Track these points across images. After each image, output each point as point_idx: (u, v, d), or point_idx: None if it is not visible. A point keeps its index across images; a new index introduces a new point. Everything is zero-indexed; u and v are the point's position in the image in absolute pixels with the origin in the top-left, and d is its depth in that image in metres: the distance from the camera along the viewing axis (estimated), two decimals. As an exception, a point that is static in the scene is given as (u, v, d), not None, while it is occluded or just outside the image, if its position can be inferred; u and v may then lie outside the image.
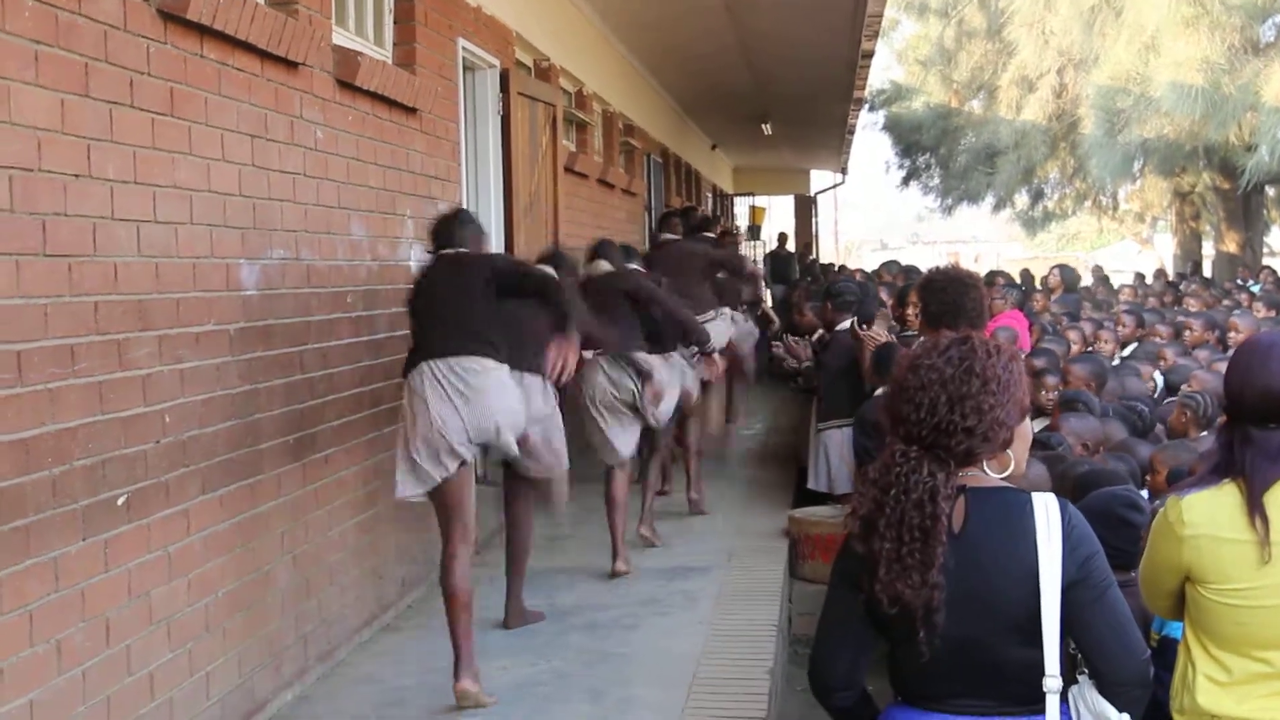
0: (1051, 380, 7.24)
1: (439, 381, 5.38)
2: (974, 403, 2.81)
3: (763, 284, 14.53)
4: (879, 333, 8.28)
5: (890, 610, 2.78)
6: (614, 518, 7.70)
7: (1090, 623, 2.81)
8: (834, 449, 8.59)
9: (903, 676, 2.95)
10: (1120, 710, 2.83)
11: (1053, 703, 2.80)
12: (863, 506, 2.83)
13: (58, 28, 4.06)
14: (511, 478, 6.55)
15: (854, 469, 8.11)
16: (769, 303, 21.18)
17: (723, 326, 9.79)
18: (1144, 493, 5.00)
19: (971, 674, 2.84)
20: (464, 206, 6.00)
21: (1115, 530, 4.24)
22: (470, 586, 5.56)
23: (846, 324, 8.67)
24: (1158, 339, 10.29)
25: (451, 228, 5.79)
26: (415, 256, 7.17)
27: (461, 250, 5.71)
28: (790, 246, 26.48)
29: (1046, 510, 2.82)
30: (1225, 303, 13.99)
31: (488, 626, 6.41)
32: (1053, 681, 2.79)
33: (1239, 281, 18.16)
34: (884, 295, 11.02)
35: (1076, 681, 2.88)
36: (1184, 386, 7.43)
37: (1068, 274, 15.55)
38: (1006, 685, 2.83)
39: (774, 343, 10.35)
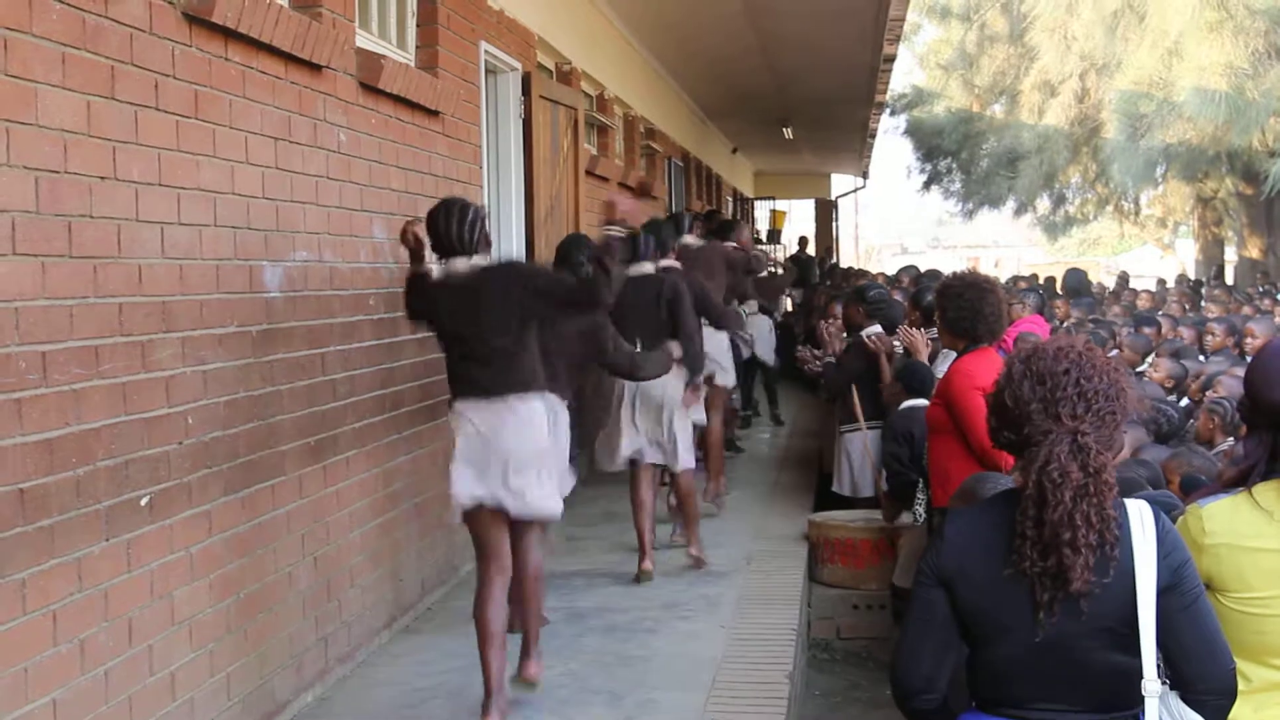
0: None
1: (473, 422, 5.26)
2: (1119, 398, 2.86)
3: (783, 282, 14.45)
4: (884, 339, 8.31)
5: (1049, 594, 2.74)
6: (640, 520, 7.65)
7: (1180, 630, 2.79)
8: (856, 452, 8.58)
9: (982, 681, 2.92)
10: (1208, 719, 2.82)
11: (1152, 706, 2.78)
12: (1065, 489, 2.74)
13: (84, 30, 4.09)
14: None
15: (879, 475, 8.12)
16: (789, 306, 21.15)
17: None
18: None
19: (1056, 678, 2.81)
20: (455, 198, 5.57)
21: None
22: (505, 619, 5.35)
23: (875, 330, 8.67)
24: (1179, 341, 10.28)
25: (461, 233, 5.34)
26: (437, 260, 7.18)
27: (490, 267, 5.37)
28: (811, 250, 26.44)
29: (1141, 516, 2.82)
30: (1246, 309, 13.94)
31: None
32: (1152, 685, 2.77)
33: (1261, 288, 18.09)
34: (900, 298, 11.01)
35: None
36: (1209, 392, 7.41)
37: (1071, 278, 15.52)
38: (1090, 690, 2.81)
39: (799, 348, 10.32)
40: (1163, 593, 2.76)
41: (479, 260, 5.36)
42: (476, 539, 5.41)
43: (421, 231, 5.48)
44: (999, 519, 2.84)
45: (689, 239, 10.15)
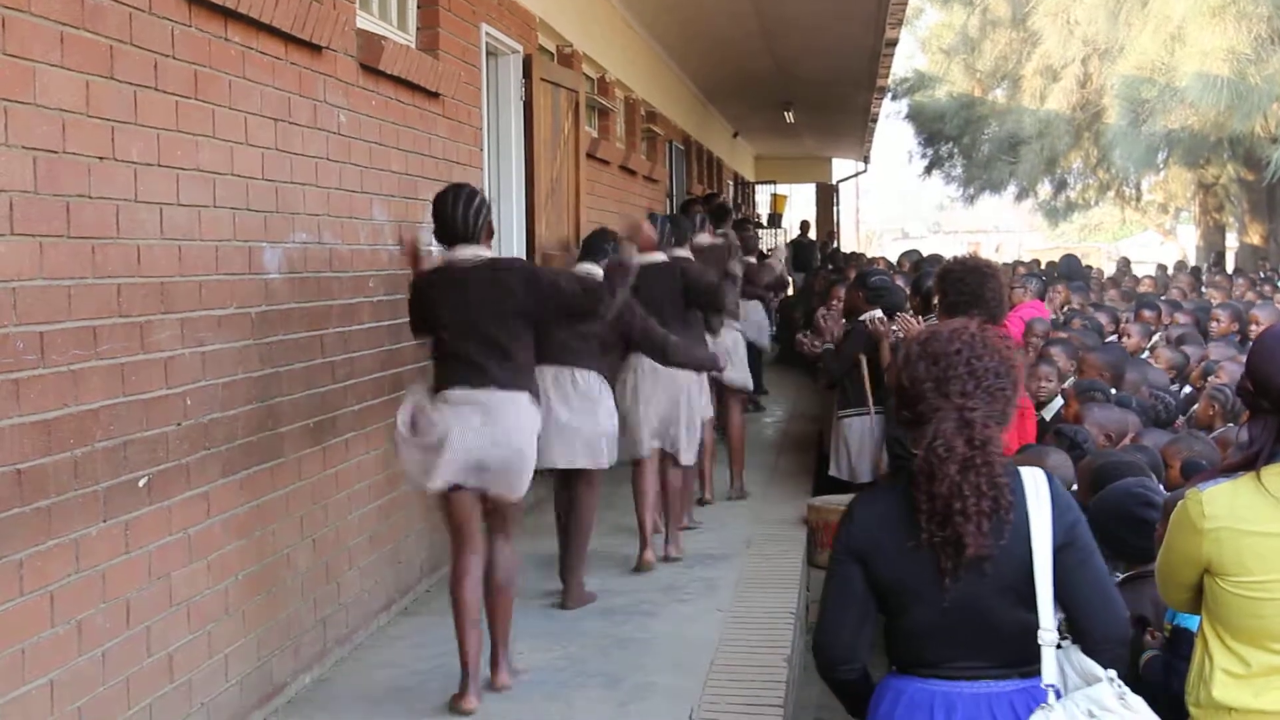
0: (1044, 370, 7.24)
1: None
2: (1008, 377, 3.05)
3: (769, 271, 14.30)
4: (884, 324, 8.28)
5: (950, 561, 2.93)
6: (642, 510, 7.62)
7: (1077, 584, 3.01)
8: (854, 437, 8.58)
9: (899, 646, 3.11)
10: (1105, 667, 2.99)
11: (1048, 655, 2.98)
12: (949, 463, 2.92)
13: (84, 10, 4.07)
14: (576, 471, 6.72)
15: (878, 459, 8.11)
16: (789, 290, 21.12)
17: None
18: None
19: (968, 637, 3.00)
20: (464, 184, 5.60)
21: (1132, 528, 4.24)
22: (479, 598, 5.43)
23: (876, 314, 8.65)
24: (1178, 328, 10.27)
25: (466, 218, 5.36)
26: (437, 242, 7.17)
27: (496, 261, 5.43)
28: (812, 234, 26.42)
29: (1035, 481, 3.02)
30: (1249, 295, 13.92)
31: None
32: (1048, 635, 2.97)
33: (1262, 274, 18.08)
34: (901, 283, 10.99)
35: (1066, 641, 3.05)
36: (1210, 378, 7.41)
37: (1065, 264, 15.53)
38: (1001, 647, 3.00)
39: (800, 336, 10.30)
40: (1058, 550, 2.98)
41: (483, 251, 5.38)
42: (450, 519, 5.44)
43: (421, 240, 5.60)
44: (902, 495, 3.02)
45: (703, 237, 10.14)
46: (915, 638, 3.06)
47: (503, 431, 5.25)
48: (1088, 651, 3.02)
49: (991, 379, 2.99)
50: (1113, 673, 2.98)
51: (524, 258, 6.14)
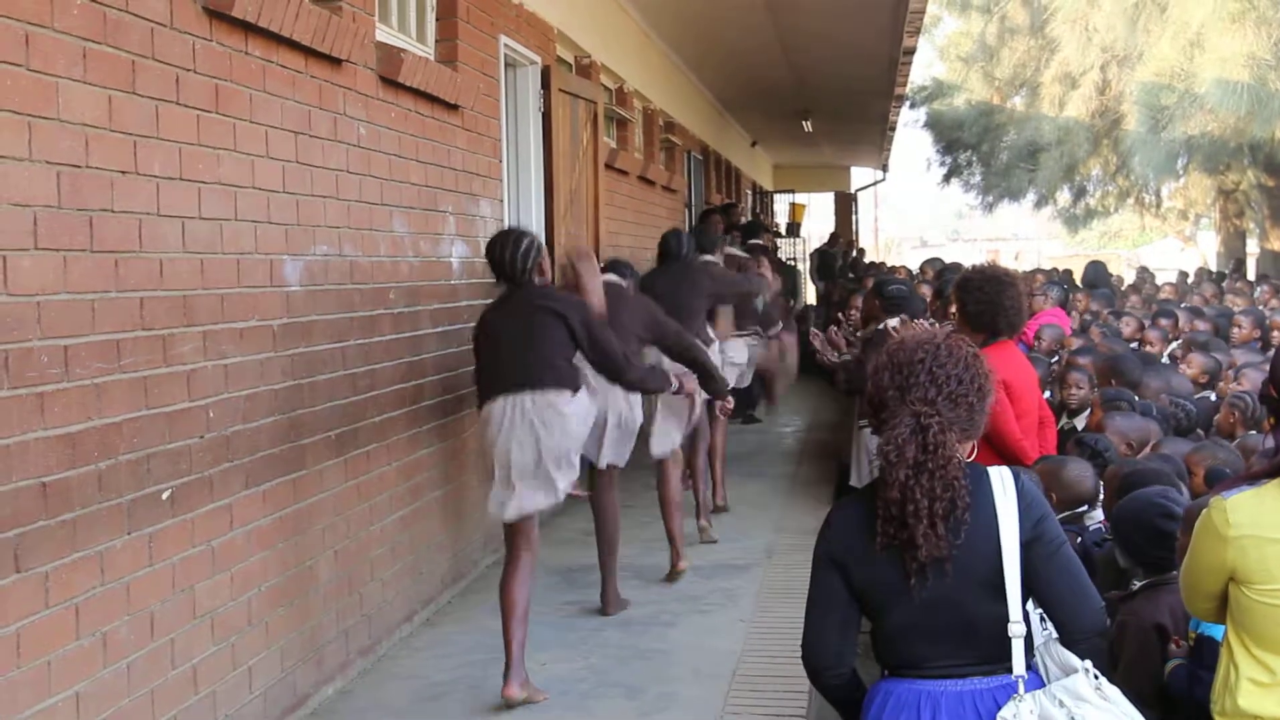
0: (1075, 377, 7.21)
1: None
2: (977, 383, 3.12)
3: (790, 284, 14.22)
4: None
5: (914, 562, 2.99)
6: (669, 517, 7.59)
7: (1048, 577, 3.05)
8: (873, 446, 8.55)
9: (885, 650, 3.16)
10: (1082, 658, 3.05)
11: (1018, 646, 3.03)
12: (899, 467, 2.99)
13: (105, 25, 4.09)
14: (597, 473, 6.78)
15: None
16: (811, 299, 21.14)
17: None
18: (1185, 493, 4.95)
19: (948, 635, 3.05)
20: (514, 228, 6.01)
21: (1150, 538, 4.23)
22: (529, 596, 5.64)
23: (893, 323, 8.64)
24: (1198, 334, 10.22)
25: (515, 259, 5.73)
26: (457, 253, 7.20)
27: (546, 296, 5.76)
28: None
29: (1003, 479, 3.09)
30: (1272, 302, 13.86)
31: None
32: (1016, 627, 3.02)
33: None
34: (925, 291, 10.98)
35: (1043, 632, 3.13)
36: (1232, 386, 7.38)
37: (1090, 271, 15.48)
38: (981, 643, 3.05)
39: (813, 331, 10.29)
40: (1026, 545, 3.03)
41: (534, 288, 5.74)
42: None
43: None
44: (871, 501, 3.09)
45: (734, 249, 10.17)
46: (897, 639, 3.11)
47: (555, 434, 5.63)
48: (1065, 644, 3.08)
49: (954, 384, 3.06)
50: (1088, 663, 3.04)
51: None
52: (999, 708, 3.01)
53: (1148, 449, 5.83)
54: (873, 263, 22.47)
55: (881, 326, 8.59)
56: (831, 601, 3.16)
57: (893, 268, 19.22)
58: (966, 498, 2.99)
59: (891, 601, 3.07)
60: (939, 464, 2.98)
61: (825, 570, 3.17)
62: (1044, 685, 3.04)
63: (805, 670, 3.26)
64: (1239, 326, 10.25)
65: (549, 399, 5.56)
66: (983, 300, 5.53)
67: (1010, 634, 3.02)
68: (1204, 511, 3.15)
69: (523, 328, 5.64)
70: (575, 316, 5.70)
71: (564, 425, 5.57)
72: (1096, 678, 3.02)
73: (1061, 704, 2.97)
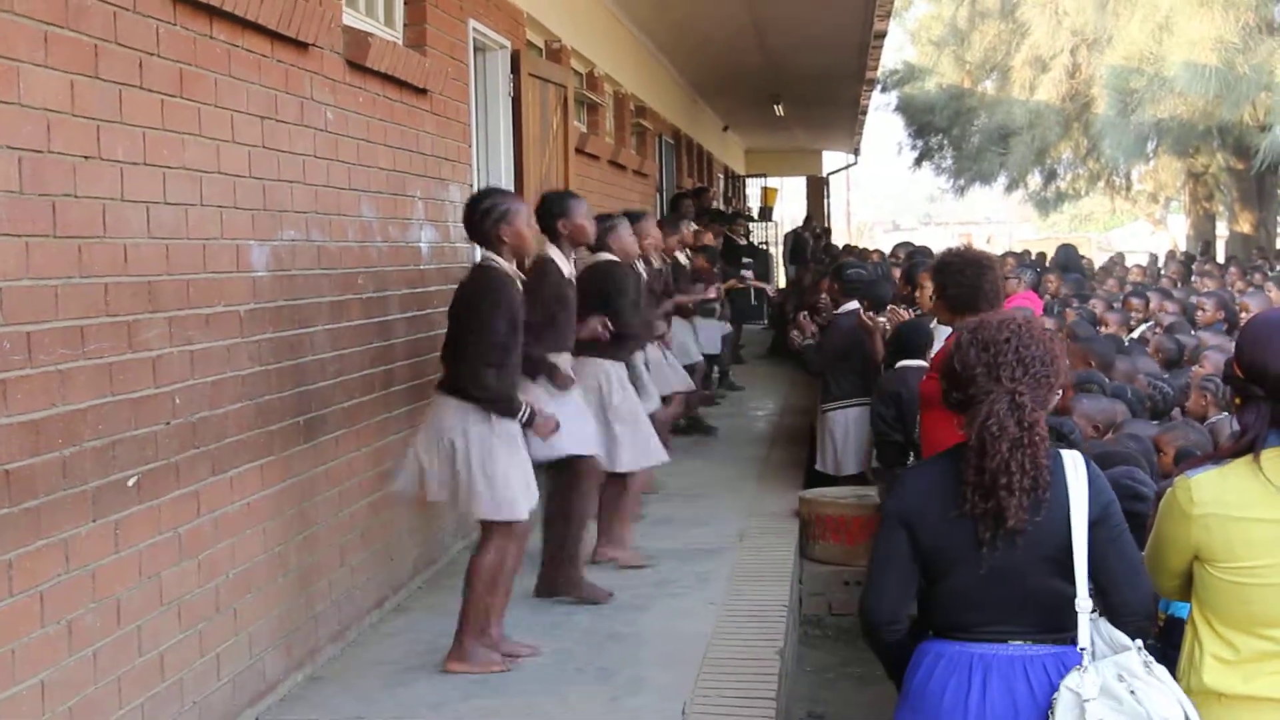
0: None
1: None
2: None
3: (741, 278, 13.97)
4: (873, 319, 8.28)
5: (988, 531, 3.14)
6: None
7: (1108, 558, 3.20)
8: (838, 430, 8.58)
9: (938, 610, 3.30)
10: (1131, 638, 3.16)
11: (1083, 620, 3.15)
12: (1002, 440, 3.12)
13: (67, 9, 4.06)
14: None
15: (869, 439, 8.11)
16: (780, 283, 21.14)
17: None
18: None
19: (1005, 603, 3.20)
20: (485, 189, 6.24)
21: None
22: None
23: (852, 307, 8.67)
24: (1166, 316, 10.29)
25: (470, 222, 5.79)
26: (426, 238, 7.17)
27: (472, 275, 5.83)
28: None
29: (1075, 463, 3.23)
30: (1238, 284, 13.93)
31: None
32: (1084, 603, 3.15)
33: (1253, 263, 18.10)
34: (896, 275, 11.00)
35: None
36: (1195, 368, 7.41)
37: (1062, 254, 15.55)
38: (1036, 613, 3.20)
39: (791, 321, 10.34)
40: (1093, 525, 3.17)
41: (487, 254, 5.73)
42: None
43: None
44: (949, 467, 3.24)
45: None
46: (953, 602, 3.25)
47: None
48: (1115, 623, 3.20)
49: (1038, 366, 3.19)
50: (1139, 642, 3.15)
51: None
52: (1048, 675, 3.15)
53: (1113, 431, 5.86)
54: (845, 247, 22.48)
55: (839, 311, 8.64)
56: (896, 559, 3.29)
57: (865, 251, 19.25)
58: (1048, 477, 3.14)
59: (956, 566, 3.21)
60: (1033, 441, 3.13)
61: (893, 528, 3.30)
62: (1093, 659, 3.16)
63: (861, 624, 3.42)
64: (1203, 310, 10.31)
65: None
66: (963, 283, 5.50)
67: (1077, 608, 3.14)
68: (1169, 490, 3.19)
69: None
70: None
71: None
72: (1146, 655, 3.12)
73: (1121, 678, 3.08)
